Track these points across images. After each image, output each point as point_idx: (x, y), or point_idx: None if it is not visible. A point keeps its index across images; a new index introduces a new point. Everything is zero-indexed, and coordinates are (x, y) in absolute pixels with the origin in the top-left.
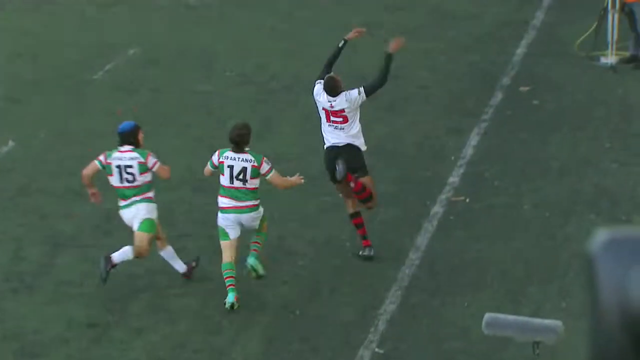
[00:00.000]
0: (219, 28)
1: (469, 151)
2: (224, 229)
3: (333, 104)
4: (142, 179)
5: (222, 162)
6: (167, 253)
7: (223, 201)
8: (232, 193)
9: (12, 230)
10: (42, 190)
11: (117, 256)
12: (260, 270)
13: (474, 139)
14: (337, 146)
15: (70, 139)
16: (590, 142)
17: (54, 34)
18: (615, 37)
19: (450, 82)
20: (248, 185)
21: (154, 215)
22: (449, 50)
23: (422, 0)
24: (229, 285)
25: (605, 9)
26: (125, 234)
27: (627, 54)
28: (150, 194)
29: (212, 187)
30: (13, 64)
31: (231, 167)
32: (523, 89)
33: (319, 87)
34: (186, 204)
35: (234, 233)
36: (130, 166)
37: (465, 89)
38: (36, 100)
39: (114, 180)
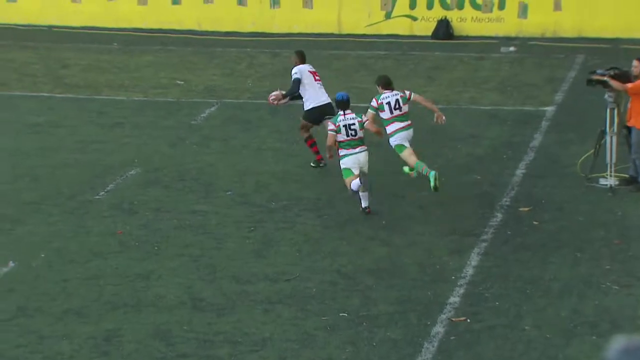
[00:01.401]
0: (221, 148)
1: (469, 271)
2: (401, 144)
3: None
4: (361, 133)
5: (381, 102)
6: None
7: (393, 127)
8: (398, 119)
9: (10, 352)
10: (41, 310)
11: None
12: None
13: (474, 259)
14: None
15: (70, 259)
16: (591, 263)
17: (55, 155)
18: (614, 159)
19: (450, 203)
20: (403, 111)
21: None
22: (449, 171)
23: (421, 121)
24: (426, 172)
25: (604, 131)
26: (125, 354)
27: (626, 175)
28: (365, 146)
29: (211, 307)
30: (14, 185)
31: (389, 103)
32: (523, 209)
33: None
34: (185, 324)
35: (407, 144)
36: (353, 124)
37: (465, 209)
38: (36, 220)
39: (342, 136)
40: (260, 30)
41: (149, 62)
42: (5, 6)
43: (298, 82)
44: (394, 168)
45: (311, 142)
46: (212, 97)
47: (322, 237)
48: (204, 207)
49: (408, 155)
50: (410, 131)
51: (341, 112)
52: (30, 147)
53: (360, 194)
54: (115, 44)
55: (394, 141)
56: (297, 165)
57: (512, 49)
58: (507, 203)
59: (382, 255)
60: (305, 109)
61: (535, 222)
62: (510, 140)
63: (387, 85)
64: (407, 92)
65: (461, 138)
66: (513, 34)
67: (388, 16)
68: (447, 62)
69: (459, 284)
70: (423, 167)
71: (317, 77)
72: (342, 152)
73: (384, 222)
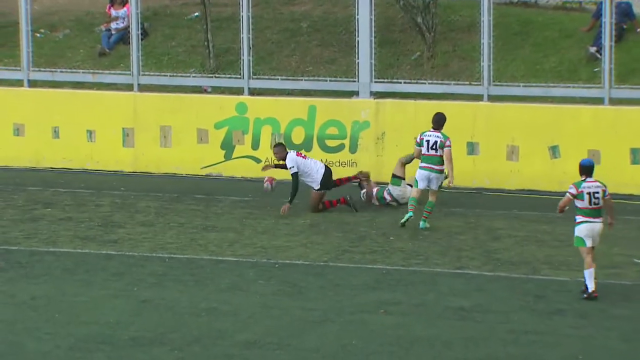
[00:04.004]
0: None
1: None
2: (418, 180)
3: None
4: (601, 202)
5: (422, 139)
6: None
7: (422, 164)
8: (429, 159)
9: None
10: None
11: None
12: (427, 225)
13: None
14: None
15: None
16: None
17: (482, 346)
18: None
19: None
20: (438, 153)
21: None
22: None
23: None
24: (409, 209)
25: None
26: None
27: None
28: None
29: None
30: None
31: (428, 142)
32: None
33: None
34: None
35: (422, 184)
36: (597, 192)
37: None
38: None
39: (583, 204)
40: None
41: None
42: None
43: (296, 175)
44: None
45: (329, 204)
46: None
47: None
48: None
49: (415, 192)
50: (434, 174)
51: (585, 179)
52: (452, 336)
53: (586, 273)
54: None
55: (416, 174)
56: None
57: None
58: None
59: None
60: (316, 188)
61: None
62: None
63: (436, 124)
64: (447, 141)
65: None
66: None
67: None
68: None
69: None
70: (411, 204)
71: (303, 155)
72: (579, 218)
73: None
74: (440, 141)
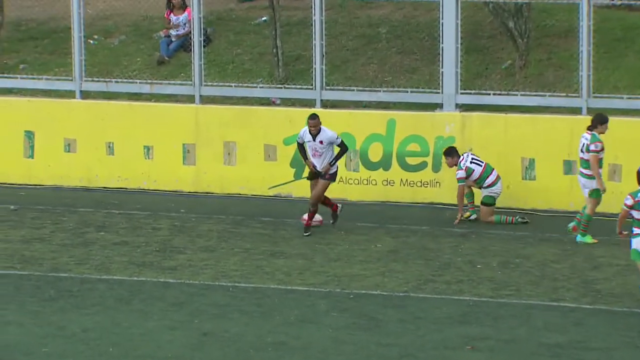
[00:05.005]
0: None
1: None
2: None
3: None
4: None
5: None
6: None
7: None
8: (580, 162)
9: None
10: None
11: None
12: (589, 240)
13: None
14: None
15: None
16: None
17: None
18: None
19: None
20: (585, 157)
21: None
22: None
23: None
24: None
25: None
26: None
27: None
28: None
29: None
30: None
31: (580, 141)
32: None
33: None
34: None
35: (585, 192)
36: None
37: None
38: None
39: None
40: None
41: None
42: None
43: (343, 142)
44: None
45: (330, 202)
46: None
47: None
48: None
49: (589, 204)
50: (583, 179)
51: None
52: None
53: None
54: None
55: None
56: None
57: None
58: None
59: None
60: (333, 172)
61: None
62: None
63: (591, 123)
64: (592, 145)
65: None
66: None
67: None
68: None
69: None
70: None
71: None
72: (635, 230)
73: None
74: (587, 144)
